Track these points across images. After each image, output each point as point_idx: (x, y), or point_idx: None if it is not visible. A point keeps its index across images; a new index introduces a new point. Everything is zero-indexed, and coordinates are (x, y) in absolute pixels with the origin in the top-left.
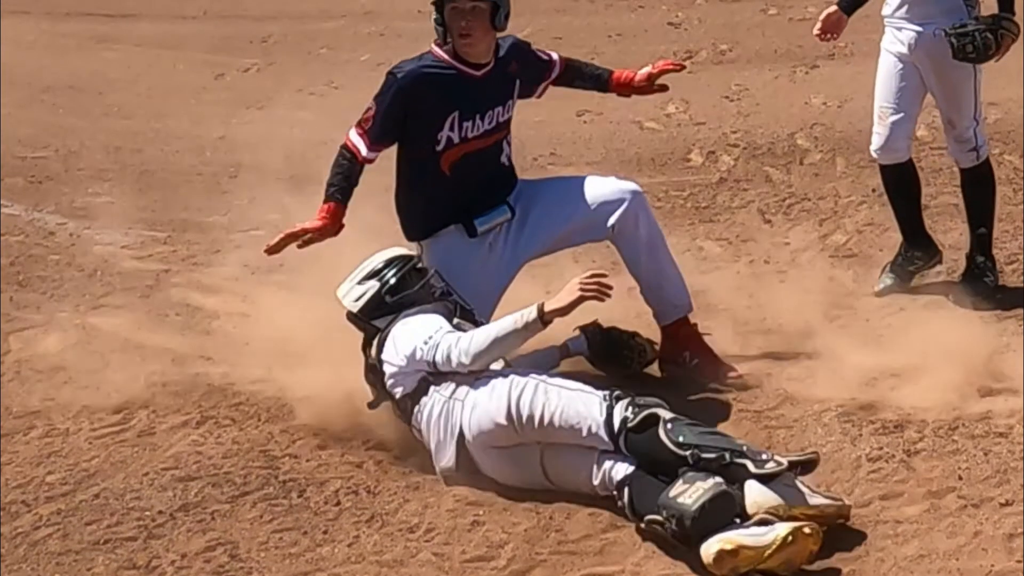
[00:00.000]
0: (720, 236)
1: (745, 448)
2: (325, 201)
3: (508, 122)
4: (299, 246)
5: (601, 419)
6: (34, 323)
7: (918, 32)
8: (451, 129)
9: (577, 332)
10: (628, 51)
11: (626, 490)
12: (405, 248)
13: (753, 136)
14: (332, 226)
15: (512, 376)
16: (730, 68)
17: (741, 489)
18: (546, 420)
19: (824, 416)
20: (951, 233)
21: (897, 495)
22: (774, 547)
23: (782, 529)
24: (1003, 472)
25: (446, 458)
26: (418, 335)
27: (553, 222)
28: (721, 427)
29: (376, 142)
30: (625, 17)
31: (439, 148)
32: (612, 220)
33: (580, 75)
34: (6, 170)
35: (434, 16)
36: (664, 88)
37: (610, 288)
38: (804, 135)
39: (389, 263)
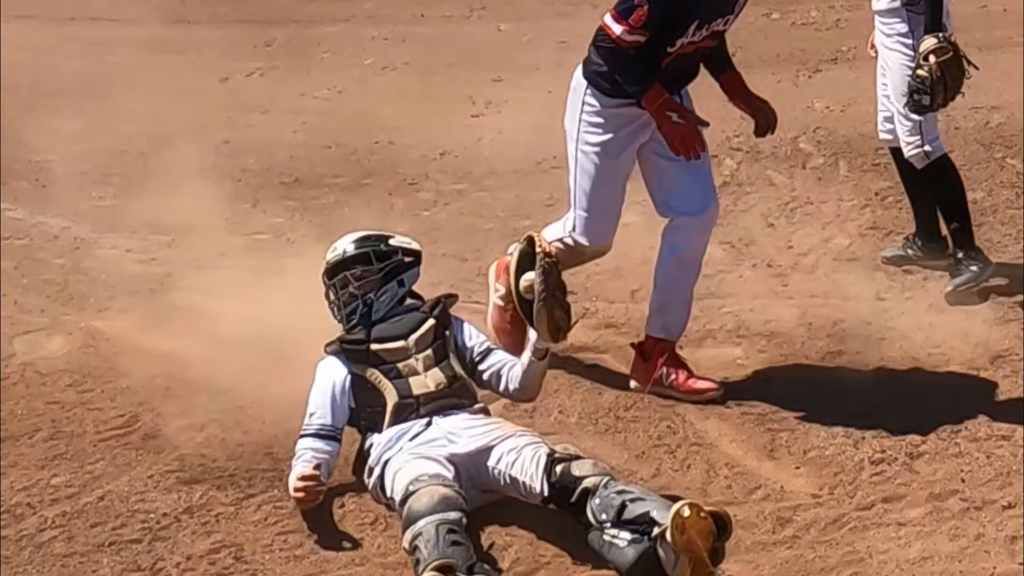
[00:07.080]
0: (723, 240)
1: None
2: (646, 88)
3: (721, 34)
4: None
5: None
6: (38, 326)
7: (877, 30)
8: (688, 36)
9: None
10: None
11: None
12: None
13: (756, 140)
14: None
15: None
16: None
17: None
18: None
19: (827, 419)
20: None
21: (899, 498)
22: None
23: None
24: (1006, 475)
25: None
26: (308, 405)
27: (664, 155)
28: (723, 432)
29: (644, 30)
30: None
31: (671, 50)
32: (680, 217)
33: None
34: (10, 174)
35: None
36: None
37: (320, 488)
38: (807, 139)
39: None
